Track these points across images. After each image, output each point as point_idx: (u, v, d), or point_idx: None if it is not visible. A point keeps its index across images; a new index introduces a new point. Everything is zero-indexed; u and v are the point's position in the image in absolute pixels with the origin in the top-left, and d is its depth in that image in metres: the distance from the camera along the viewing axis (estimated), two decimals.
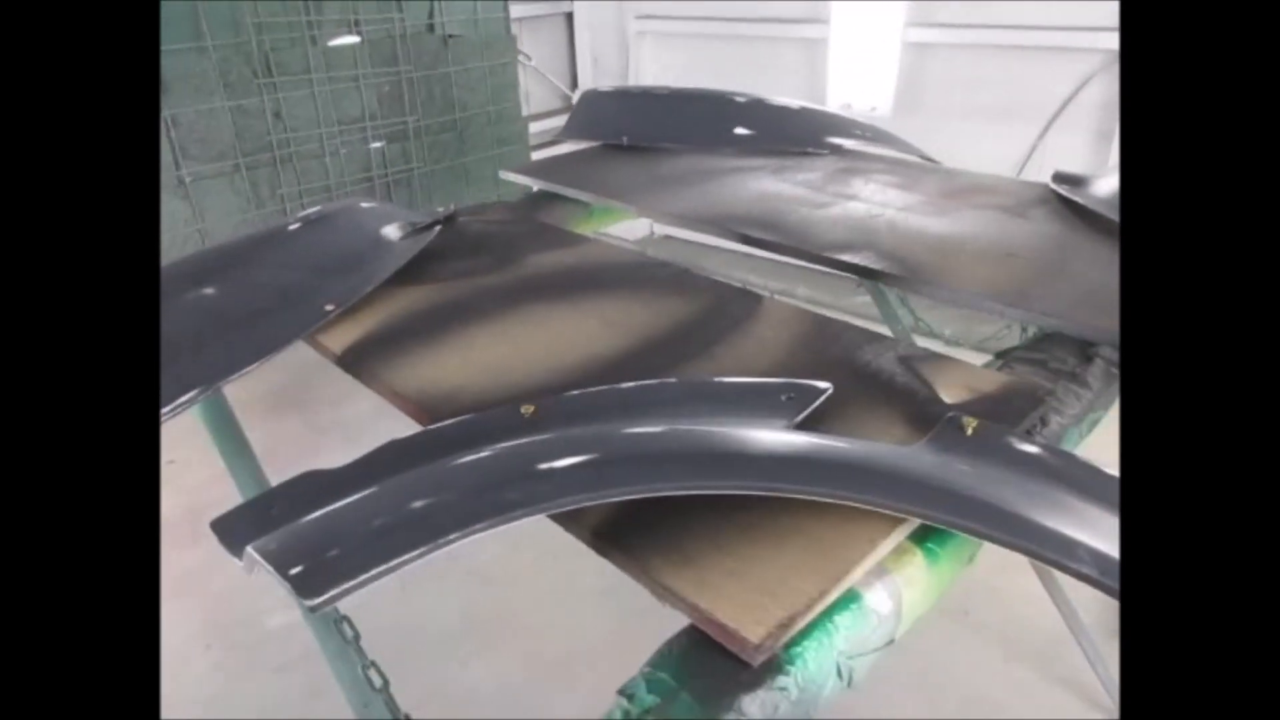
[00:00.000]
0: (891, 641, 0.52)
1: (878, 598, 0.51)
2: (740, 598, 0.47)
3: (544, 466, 0.50)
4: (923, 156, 1.43)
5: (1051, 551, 0.48)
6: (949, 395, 0.67)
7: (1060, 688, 1.32)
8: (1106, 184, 1.14)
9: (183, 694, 1.39)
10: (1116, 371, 0.75)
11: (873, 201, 1.17)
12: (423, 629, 1.49)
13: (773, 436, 0.55)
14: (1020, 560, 0.53)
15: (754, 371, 0.72)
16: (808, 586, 0.48)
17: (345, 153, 2.60)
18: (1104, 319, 0.79)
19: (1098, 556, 0.49)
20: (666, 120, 1.52)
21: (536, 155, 2.80)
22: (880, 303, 1.47)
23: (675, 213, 1.14)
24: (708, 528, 0.52)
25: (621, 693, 0.46)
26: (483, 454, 0.52)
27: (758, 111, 1.51)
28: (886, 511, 0.50)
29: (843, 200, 1.18)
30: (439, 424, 0.63)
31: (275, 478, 0.57)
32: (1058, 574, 0.89)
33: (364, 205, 1.07)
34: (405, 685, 1.44)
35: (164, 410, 0.66)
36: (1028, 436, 0.59)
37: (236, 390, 0.85)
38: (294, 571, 0.43)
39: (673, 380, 0.66)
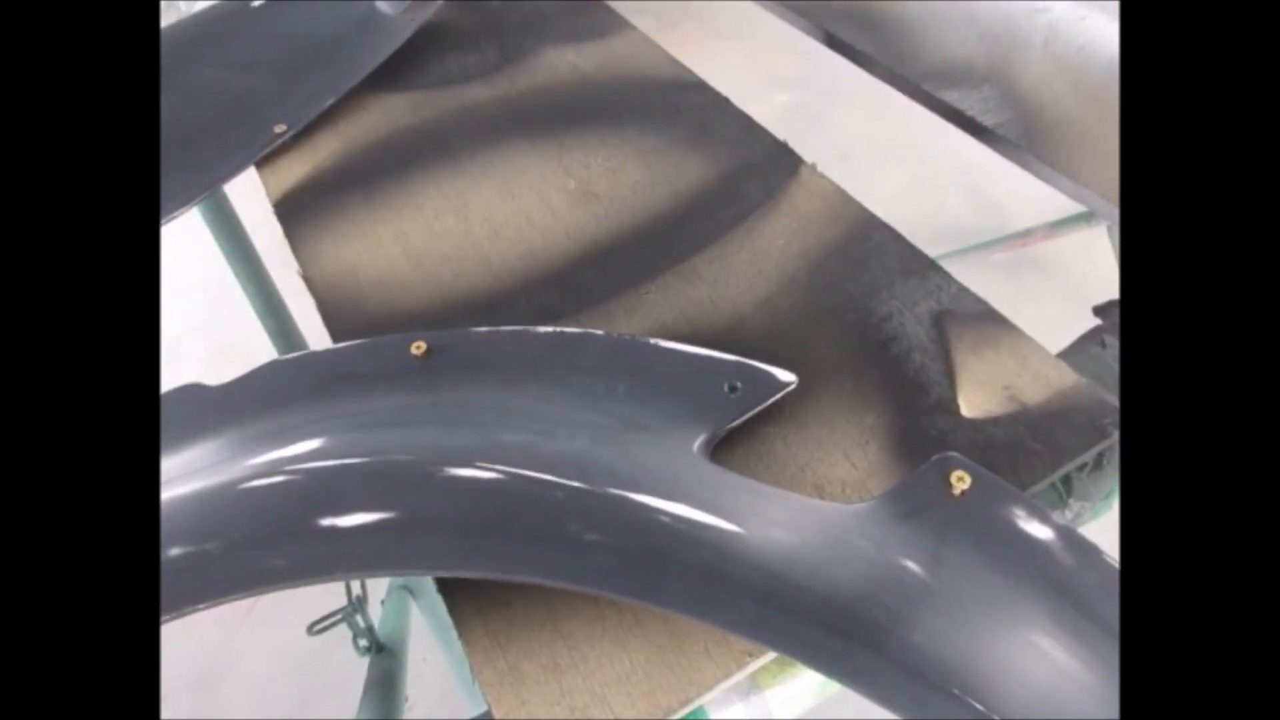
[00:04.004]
0: None
1: None
2: (540, 712, 0.39)
3: (328, 523, 0.40)
4: None
5: None
6: (972, 402, 0.49)
7: None
8: None
9: None
10: None
11: None
12: None
13: (645, 503, 0.41)
14: None
15: (731, 306, 0.55)
16: (627, 715, 0.38)
17: None
18: None
19: None
20: None
21: None
22: None
23: None
24: (551, 591, 0.42)
25: None
26: (275, 479, 0.43)
27: None
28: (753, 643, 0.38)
29: None
30: (324, 349, 0.54)
31: None
32: None
33: None
34: None
35: None
36: (1041, 511, 0.41)
37: None
38: None
39: (598, 334, 0.51)
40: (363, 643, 0.76)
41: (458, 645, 0.46)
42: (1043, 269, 1.67)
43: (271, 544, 0.39)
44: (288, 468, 0.43)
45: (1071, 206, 1.41)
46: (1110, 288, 1.49)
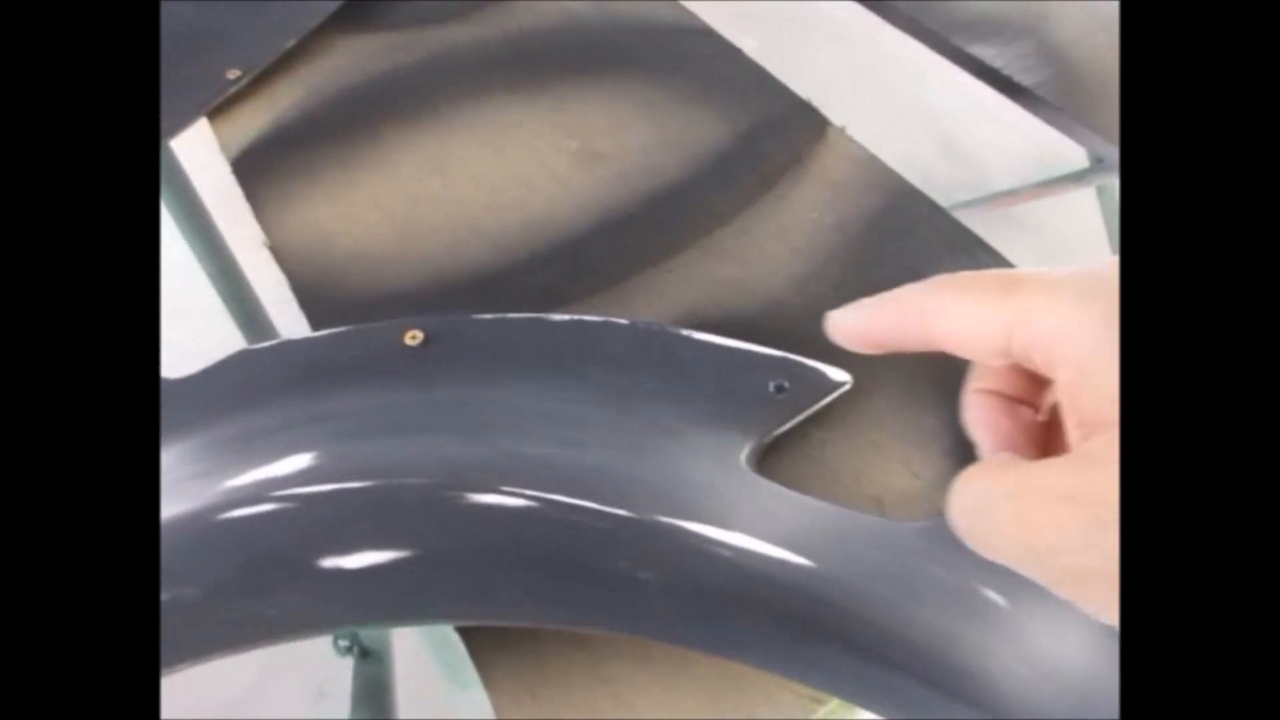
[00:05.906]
0: None
1: None
2: None
3: (330, 564, 0.34)
4: None
5: None
6: None
7: None
8: None
9: None
10: None
11: None
12: None
13: (701, 533, 0.36)
14: None
15: (764, 287, 0.50)
16: None
17: None
18: None
19: None
20: None
21: None
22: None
23: None
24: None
25: None
26: (262, 507, 0.36)
27: None
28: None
29: None
30: (303, 337, 0.47)
31: None
32: None
33: None
34: None
35: None
36: None
37: None
38: None
39: (622, 323, 0.45)
40: (343, 643, 0.70)
41: (450, 648, 0.41)
42: (1020, 225, 1.65)
43: (264, 589, 0.33)
44: (275, 492, 0.36)
45: (1054, 162, 1.37)
46: (1095, 247, 1.46)
